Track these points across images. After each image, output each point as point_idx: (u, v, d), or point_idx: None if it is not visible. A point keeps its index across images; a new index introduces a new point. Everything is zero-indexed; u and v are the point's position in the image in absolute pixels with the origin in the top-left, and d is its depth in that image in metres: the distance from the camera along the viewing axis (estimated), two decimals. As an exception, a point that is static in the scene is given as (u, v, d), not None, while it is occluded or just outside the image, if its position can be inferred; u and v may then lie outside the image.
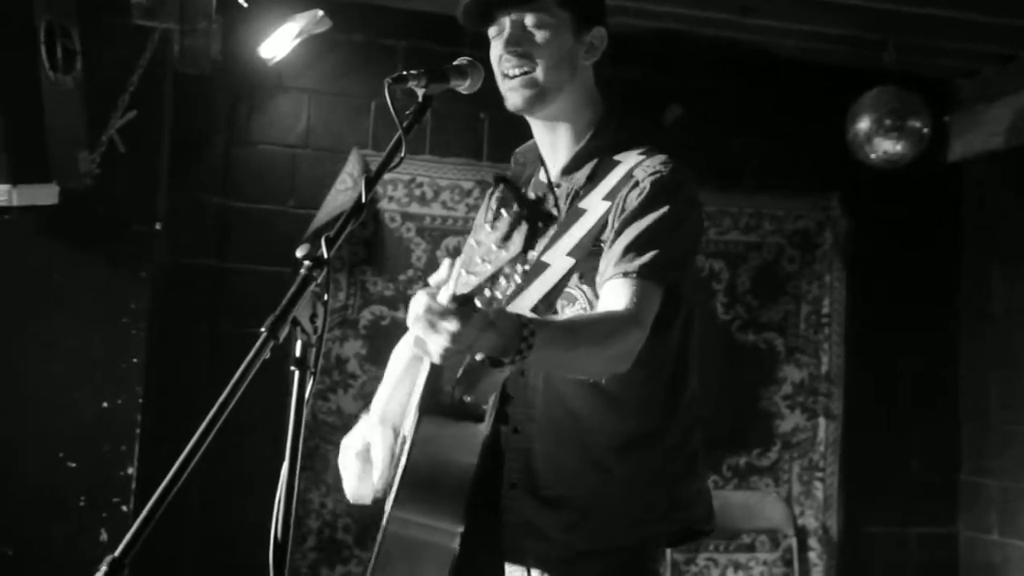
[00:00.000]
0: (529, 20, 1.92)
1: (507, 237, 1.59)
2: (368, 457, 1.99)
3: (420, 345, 1.54)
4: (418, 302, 1.52)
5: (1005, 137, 4.40)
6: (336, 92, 4.28)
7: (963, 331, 4.80)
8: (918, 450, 4.71)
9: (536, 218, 1.58)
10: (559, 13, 1.93)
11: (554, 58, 1.92)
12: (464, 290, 1.52)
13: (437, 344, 1.50)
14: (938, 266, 4.81)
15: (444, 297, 1.55)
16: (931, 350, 4.76)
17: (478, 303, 1.49)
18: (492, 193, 2.17)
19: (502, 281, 1.55)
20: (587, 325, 1.74)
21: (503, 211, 1.81)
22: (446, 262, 1.95)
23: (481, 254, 1.59)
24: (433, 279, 2.00)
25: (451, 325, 1.47)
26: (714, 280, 4.51)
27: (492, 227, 1.63)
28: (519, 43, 1.92)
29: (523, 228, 1.56)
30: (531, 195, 1.99)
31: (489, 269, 1.54)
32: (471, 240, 1.67)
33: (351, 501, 2.01)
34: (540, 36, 1.92)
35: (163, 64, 3.64)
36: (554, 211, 1.95)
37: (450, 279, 1.55)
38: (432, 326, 1.49)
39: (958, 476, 4.74)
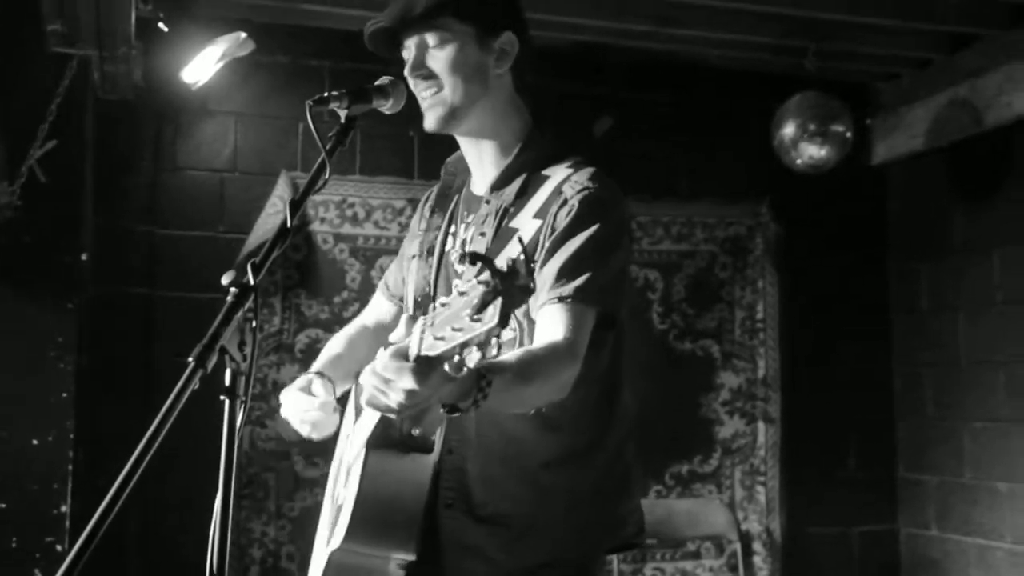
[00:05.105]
0: (430, 40, 1.89)
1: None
2: (311, 392, 1.96)
3: (373, 402, 1.48)
4: (378, 360, 1.45)
5: (925, 139, 4.49)
6: (262, 114, 4.24)
7: (894, 330, 4.89)
8: (856, 449, 4.77)
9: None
10: (459, 28, 1.89)
11: (460, 74, 1.89)
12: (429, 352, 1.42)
13: (393, 401, 1.44)
14: (867, 267, 4.89)
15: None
16: (864, 350, 4.83)
17: (447, 367, 1.40)
18: (426, 201, 2.16)
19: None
20: (534, 364, 1.69)
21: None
22: (404, 318, 1.95)
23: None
24: (393, 336, 1.99)
25: (407, 383, 1.41)
26: (649, 290, 4.54)
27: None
28: (422, 65, 1.90)
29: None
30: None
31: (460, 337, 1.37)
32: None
33: (306, 435, 1.95)
34: (442, 54, 1.89)
35: (83, 91, 3.57)
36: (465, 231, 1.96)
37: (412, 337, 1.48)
38: (386, 384, 1.43)
39: (896, 473, 4.81)
